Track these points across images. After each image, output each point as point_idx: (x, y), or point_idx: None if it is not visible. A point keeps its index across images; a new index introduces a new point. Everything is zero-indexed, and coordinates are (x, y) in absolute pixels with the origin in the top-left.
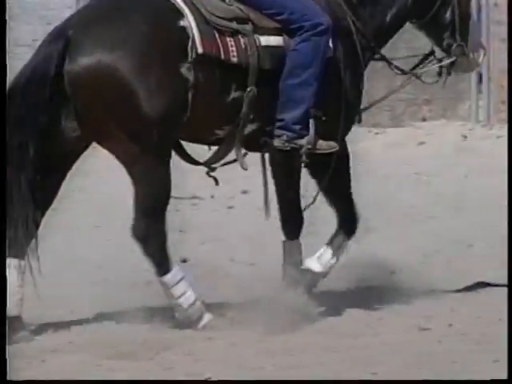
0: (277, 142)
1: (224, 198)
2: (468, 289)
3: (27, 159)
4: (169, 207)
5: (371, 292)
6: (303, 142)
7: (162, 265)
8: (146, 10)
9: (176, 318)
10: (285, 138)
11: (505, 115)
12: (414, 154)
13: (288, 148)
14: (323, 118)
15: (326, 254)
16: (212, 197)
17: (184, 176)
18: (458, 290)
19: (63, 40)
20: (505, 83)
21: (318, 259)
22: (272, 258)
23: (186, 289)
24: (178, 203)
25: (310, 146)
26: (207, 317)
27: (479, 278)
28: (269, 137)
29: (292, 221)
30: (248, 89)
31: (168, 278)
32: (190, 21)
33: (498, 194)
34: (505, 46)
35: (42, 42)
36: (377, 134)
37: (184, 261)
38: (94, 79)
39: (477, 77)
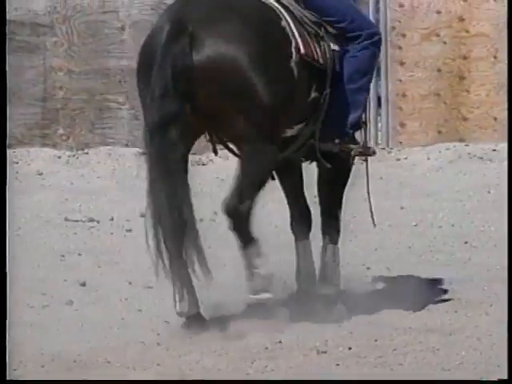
0: (329, 145)
1: (122, 220)
2: (366, 312)
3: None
4: (65, 230)
5: (270, 315)
6: (355, 146)
7: (247, 238)
8: (254, 11)
9: (250, 285)
10: (337, 141)
11: (403, 138)
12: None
13: (337, 150)
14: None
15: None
16: (111, 219)
17: (81, 198)
18: (356, 314)
19: (187, 36)
20: (403, 105)
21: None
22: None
23: (264, 261)
24: (75, 226)
25: (361, 150)
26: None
27: (377, 300)
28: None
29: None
30: (325, 91)
31: (252, 249)
32: (289, 22)
33: (396, 216)
34: (403, 70)
35: (160, 40)
36: None
37: (83, 284)
38: (218, 70)
39: (375, 100)
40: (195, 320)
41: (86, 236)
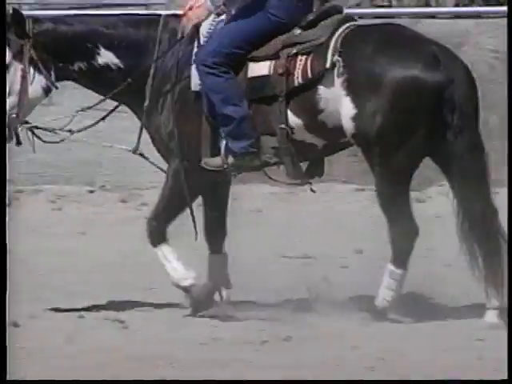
0: None
1: (337, 257)
2: None
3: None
4: (282, 267)
5: None
6: None
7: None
8: None
9: None
10: None
11: None
12: None
13: None
14: None
15: None
16: (327, 256)
17: (297, 235)
18: None
19: (442, 65)
20: None
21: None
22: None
23: None
24: (292, 262)
25: None
26: None
27: None
28: None
29: None
30: None
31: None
32: None
33: None
34: None
35: (446, 75)
36: None
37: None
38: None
39: None
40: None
41: (302, 273)
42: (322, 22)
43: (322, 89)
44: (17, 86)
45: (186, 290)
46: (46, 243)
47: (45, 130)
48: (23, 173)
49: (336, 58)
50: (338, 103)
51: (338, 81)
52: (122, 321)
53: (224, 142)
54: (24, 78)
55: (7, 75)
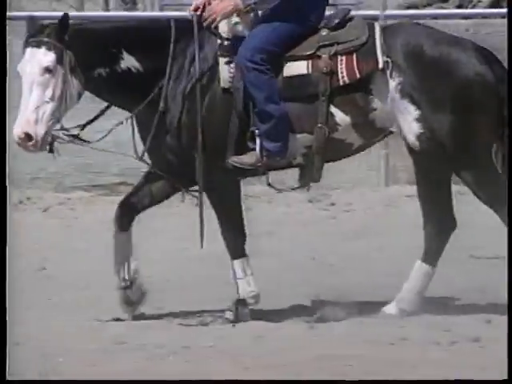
0: None
1: None
2: None
3: None
4: (468, 267)
5: None
6: None
7: None
8: None
9: None
10: None
11: None
12: None
13: None
14: None
15: None
16: None
17: (485, 234)
18: None
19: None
20: None
21: None
22: None
23: None
24: (478, 262)
25: None
26: None
27: None
28: None
29: None
30: None
31: None
32: None
33: None
34: None
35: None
36: None
37: (488, 321)
38: None
39: None
40: None
41: (489, 273)
42: (349, 23)
43: (374, 88)
44: (58, 91)
45: None
46: None
47: (81, 140)
48: None
49: (385, 58)
50: (394, 105)
51: (391, 82)
52: (308, 320)
53: (258, 141)
54: (65, 82)
55: (51, 79)
